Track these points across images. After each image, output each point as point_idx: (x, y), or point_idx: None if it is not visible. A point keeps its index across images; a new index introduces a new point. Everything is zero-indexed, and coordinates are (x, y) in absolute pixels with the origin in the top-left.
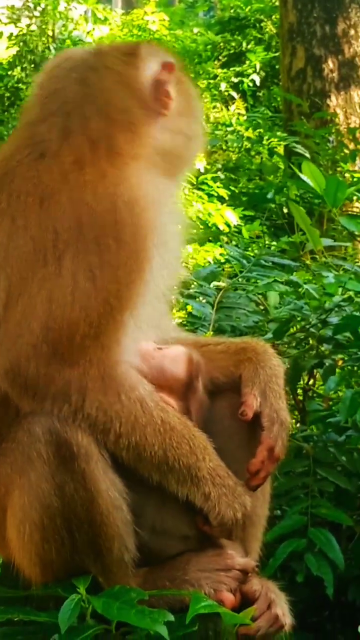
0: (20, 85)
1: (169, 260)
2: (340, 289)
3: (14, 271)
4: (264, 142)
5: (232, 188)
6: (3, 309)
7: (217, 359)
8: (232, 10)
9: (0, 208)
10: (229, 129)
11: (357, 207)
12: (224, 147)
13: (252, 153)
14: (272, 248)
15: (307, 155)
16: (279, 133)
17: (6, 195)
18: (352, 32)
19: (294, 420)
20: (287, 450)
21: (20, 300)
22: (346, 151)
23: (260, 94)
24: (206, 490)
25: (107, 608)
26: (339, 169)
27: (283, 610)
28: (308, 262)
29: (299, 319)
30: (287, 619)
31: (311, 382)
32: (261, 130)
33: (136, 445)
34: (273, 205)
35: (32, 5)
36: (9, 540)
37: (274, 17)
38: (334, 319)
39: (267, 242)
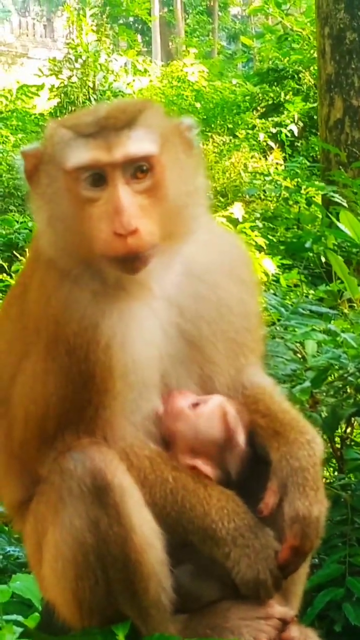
0: None
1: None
2: None
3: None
4: (302, 191)
5: (270, 237)
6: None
7: (259, 430)
8: (270, 62)
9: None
10: (267, 178)
11: None
12: (262, 197)
13: (290, 202)
14: (310, 296)
15: (345, 204)
16: (316, 182)
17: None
18: None
19: (331, 469)
20: (320, 541)
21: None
22: None
23: (298, 144)
24: (226, 550)
25: None
26: None
27: None
28: (346, 310)
29: (336, 367)
30: None
31: (349, 430)
32: (299, 179)
33: (148, 503)
34: (311, 254)
35: (73, 58)
36: (45, 578)
37: (312, 68)
38: None
39: (305, 290)
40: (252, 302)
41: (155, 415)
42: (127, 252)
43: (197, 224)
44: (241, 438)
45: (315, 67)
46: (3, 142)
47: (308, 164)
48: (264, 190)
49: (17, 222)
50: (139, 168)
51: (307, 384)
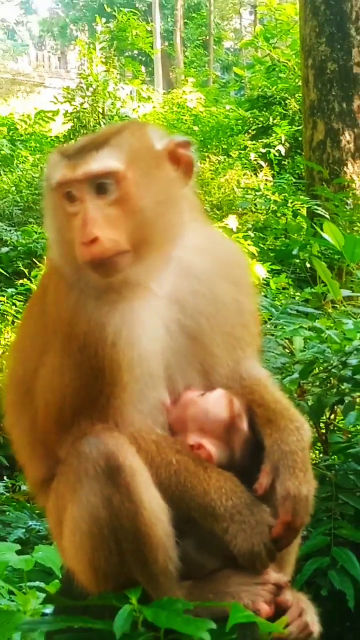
0: None
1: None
2: (358, 334)
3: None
4: (289, 204)
5: (261, 245)
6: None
7: (254, 418)
8: (260, 90)
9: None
10: (257, 193)
11: None
12: (254, 209)
13: (278, 214)
14: (297, 298)
15: (327, 216)
16: (302, 197)
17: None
18: None
19: (317, 452)
20: (309, 516)
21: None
22: None
23: (285, 163)
24: (224, 525)
25: (157, 617)
26: (355, 228)
27: (312, 619)
28: (330, 310)
29: (321, 360)
30: (316, 627)
31: (332, 416)
32: (286, 194)
33: (155, 483)
34: (297, 261)
35: (84, 86)
36: (65, 550)
37: (297, 95)
38: (353, 361)
39: (292, 293)
40: (247, 301)
41: (161, 405)
42: (91, 258)
43: (181, 230)
44: (244, 423)
45: (300, 94)
46: (23, 162)
47: (294, 180)
48: (255, 204)
49: (36, 232)
50: (102, 184)
51: (296, 375)
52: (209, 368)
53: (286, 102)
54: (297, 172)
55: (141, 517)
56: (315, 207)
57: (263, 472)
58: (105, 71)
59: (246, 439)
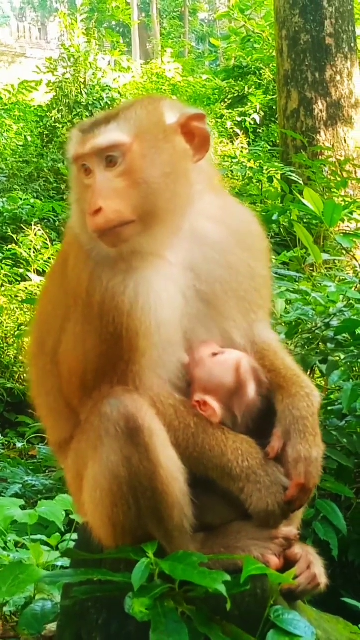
0: (57, 124)
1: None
2: (341, 297)
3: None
4: (264, 171)
5: None
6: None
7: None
8: (235, 60)
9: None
10: (234, 160)
11: (347, 228)
12: (230, 176)
13: (254, 181)
14: (275, 262)
15: (301, 182)
16: (276, 164)
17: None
18: (338, 77)
19: None
20: (319, 478)
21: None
22: (338, 178)
23: (260, 131)
24: (240, 485)
25: (174, 569)
26: (328, 194)
27: (320, 572)
28: (312, 274)
29: (305, 322)
30: (323, 579)
31: (311, 376)
32: (261, 161)
33: (173, 444)
34: (275, 226)
35: (66, 57)
36: (85, 504)
37: (271, 65)
38: (335, 322)
39: (271, 257)
40: (260, 266)
41: (180, 369)
42: (95, 228)
43: (190, 201)
44: (251, 389)
45: (274, 65)
46: (7, 131)
47: (269, 147)
48: (232, 171)
49: (21, 199)
50: (111, 157)
51: (282, 336)
52: (225, 332)
53: (261, 72)
54: (271, 139)
55: (159, 476)
56: (290, 173)
57: (275, 437)
58: (86, 42)
59: (251, 404)
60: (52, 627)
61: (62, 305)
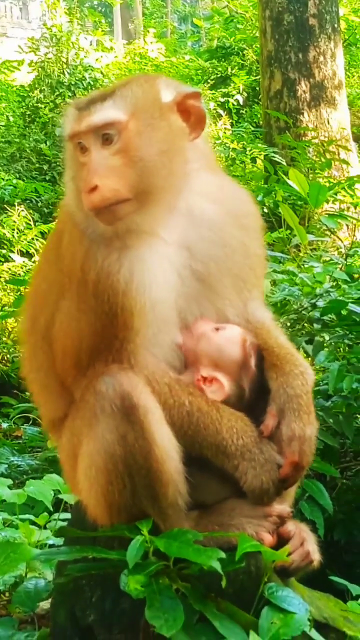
0: (39, 105)
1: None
2: (328, 277)
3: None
4: (247, 152)
5: None
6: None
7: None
8: (218, 40)
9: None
10: (217, 141)
11: (330, 209)
12: None
13: (237, 162)
14: None
15: (284, 163)
16: (259, 145)
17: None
18: (321, 58)
19: None
20: (313, 456)
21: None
22: (323, 160)
23: (243, 112)
24: (235, 462)
25: (169, 547)
26: (312, 175)
27: (313, 549)
28: (297, 255)
29: (292, 302)
30: (316, 556)
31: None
32: (244, 142)
33: (168, 423)
34: (259, 207)
35: (49, 36)
36: (79, 483)
37: (254, 46)
38: (322, 303)
39: None
40: (254, 245)
41: (175, 347)
42: (91, 206)
43: (185, 179)
44: (253, 362)
45: (258, 45)
46: None
47: (252, 128)
48: (215, 151)
49: (3, 179)
50: (107, 134)
51: None
52: (219, 310)
53: (244, 52)
54: (255, 120)
55: (153, 454)
56: (273, 154)
57: (269, 414)
58: (69, 22)
59: (254, 377)
60: (45, 605)
61: (56, 283)
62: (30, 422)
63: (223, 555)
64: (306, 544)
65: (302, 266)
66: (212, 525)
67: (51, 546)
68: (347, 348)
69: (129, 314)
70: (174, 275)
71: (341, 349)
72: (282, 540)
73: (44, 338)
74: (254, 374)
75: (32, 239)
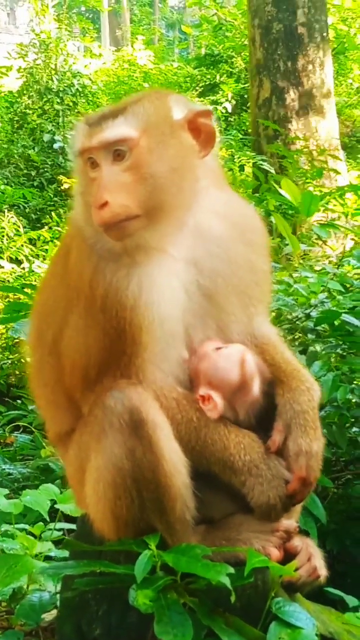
0: (27, 110)
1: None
2: (322, 287)
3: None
4: (235, 160)
5: None
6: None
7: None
8: (207, 48)
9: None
10: None
11: (321, 218)
12: None
13: (226, 170)
14: None
15: (273, 171)
16: (248, 152)
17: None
18: (310, 67)
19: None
20: (320, 471)
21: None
22: (313, 168)
23: (232, 119)
24: (242, 478)
25: (177, 562)
26: (302, 184)
27: (320, 564)
28: (289, 264)
29: (286, 312)
30: (323, 571)
31: None
32: (233, 150)
33: (176, 438)
34: None
35: (37, 42)
36: (87, 497)
37: (243, 53)
38: (315, 313)
39: None
40: (260, 261)
41: (182, 363)
42: (101, 222)
43: (194, 196)
44: (255, 386)
45: (246, 53)
46: None
47: (240, 136)
48: None
49: None
50: (118, 150)
51: None
52: (225, 327)
53: (233, 60)
54: (243, 128)
55: (162, 469)
56: (261, 162)
57: (276, 430)
58: (58, 28)
59: (255, 402)
60: (49, 617)
61: (64, 298)
62: (21, 430)
63: (232, 570)
64: (313, 560)
65: (292, 276)
66: (219, 540)
67: (51, 558)
68: (339, 358)
69: (137, 330)
70: (182, 291)
71: (333, 359)
72: (288, 556)
73: (50, 353)
74: (254, 398)
75: (22, 245)
